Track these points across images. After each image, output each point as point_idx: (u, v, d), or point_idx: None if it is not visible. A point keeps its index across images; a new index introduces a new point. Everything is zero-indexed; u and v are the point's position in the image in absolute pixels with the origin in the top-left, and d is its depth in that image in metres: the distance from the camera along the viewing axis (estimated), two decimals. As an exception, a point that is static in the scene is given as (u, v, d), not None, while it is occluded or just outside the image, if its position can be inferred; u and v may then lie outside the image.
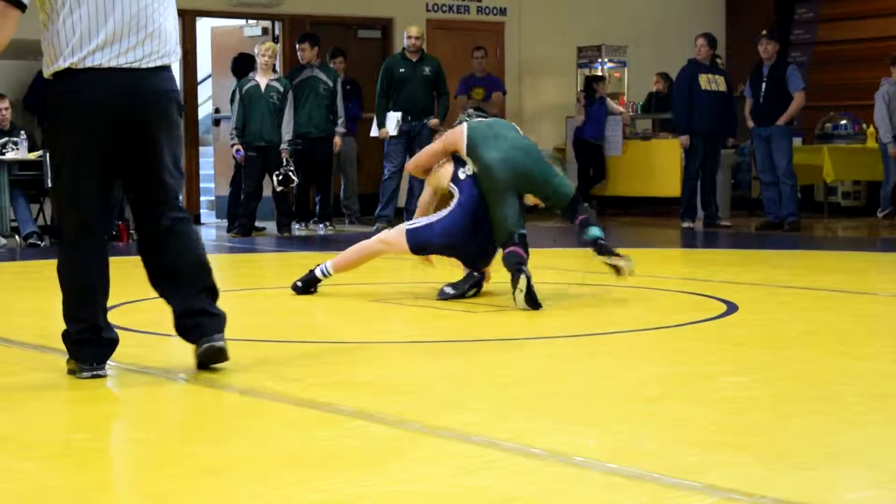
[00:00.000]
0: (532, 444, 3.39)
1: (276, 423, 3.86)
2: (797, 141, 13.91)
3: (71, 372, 4.55)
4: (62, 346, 4.58)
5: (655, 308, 6.73)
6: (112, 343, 4.54)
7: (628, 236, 13.03)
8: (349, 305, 6.76)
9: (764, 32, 12.92)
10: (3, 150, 11.37)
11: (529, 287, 6.31)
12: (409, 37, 13.22)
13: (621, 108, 15.93)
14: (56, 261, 4.56)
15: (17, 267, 9.80)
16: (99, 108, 4.35)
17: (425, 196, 7.24)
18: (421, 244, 6.91)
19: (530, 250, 6.68)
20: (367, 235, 7.87)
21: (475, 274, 6.91)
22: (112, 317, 4.66)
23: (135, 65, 4.37)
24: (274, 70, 12.60)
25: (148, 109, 4.41)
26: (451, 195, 6.95)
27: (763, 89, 12.66)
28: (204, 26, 15.69)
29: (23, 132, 11.62)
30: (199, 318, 4.47)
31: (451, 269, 7.21)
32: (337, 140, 13.03)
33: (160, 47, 4.43)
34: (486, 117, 7.37)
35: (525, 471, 3.17)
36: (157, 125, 4.44)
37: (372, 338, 5.79)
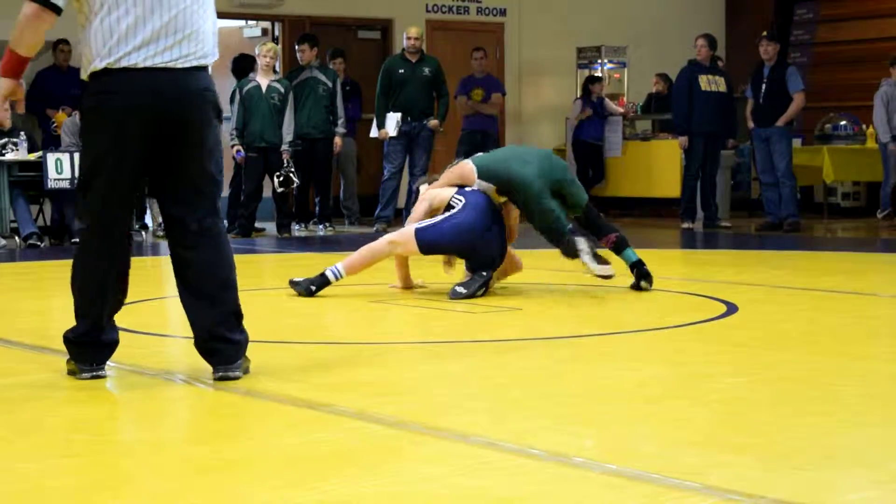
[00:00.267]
0: (532, 445, 3.39)
1: (276, 424, 3.86)
2: (797, 142, 13.92)
3: (71, 372, 4.55)
4: (62, 347, 4.58)
5: (655, 308, 6.73)
6: (112, 344, 4.53)
7: (628, 237, 13.01)
8: (349, 306, 6.76)
9: (764, 33, 12.92)
10: (3, 151, 11.37)
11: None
12: (408, 37, 13.22)
13: (620, 109, 15.94)
14: (68, 261, 4.53)
15: (16, 268, 9.79)
16: (134, 108, 4.30)
17: (420, 208, 7.24)
18: (431, 243, 6.94)
19: (529, 251, 6.74)
20: (367, 236, 7.89)
21: (483, 273, 6.92)
22: (112, 317, 4.66)
23: (171, 64, 4.32)
24: (274, 71, 12.59)
25: (184, 109, 4.35)
26: (453, 206, 7.02)
27: (763, 90, 12.67)
28: (204, 27, 15.66)
29: (23, 133, 11.62)
30: (218, 344, 4.41)
31: (461, 271, 7.23)
32: (337, 141, 13.03)
33: (198, 48, 4.38)
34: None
35: (525, 471, 3.17)
36: (193, 125, 4.37)
37: (372, 338, 5.79)
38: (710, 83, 12.95)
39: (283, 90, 12.39)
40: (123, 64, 4.29)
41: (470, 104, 14.34)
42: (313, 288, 6.97)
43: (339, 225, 13.61)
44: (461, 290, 6.84)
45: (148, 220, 12.99)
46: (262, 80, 12.35)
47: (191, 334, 4.51)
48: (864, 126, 14.47)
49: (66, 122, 11.93)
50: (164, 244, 11.23)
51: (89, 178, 4.41)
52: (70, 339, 4.53)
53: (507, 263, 7.24)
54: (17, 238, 11.39)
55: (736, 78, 13.83)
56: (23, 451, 3.47)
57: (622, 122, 15.81)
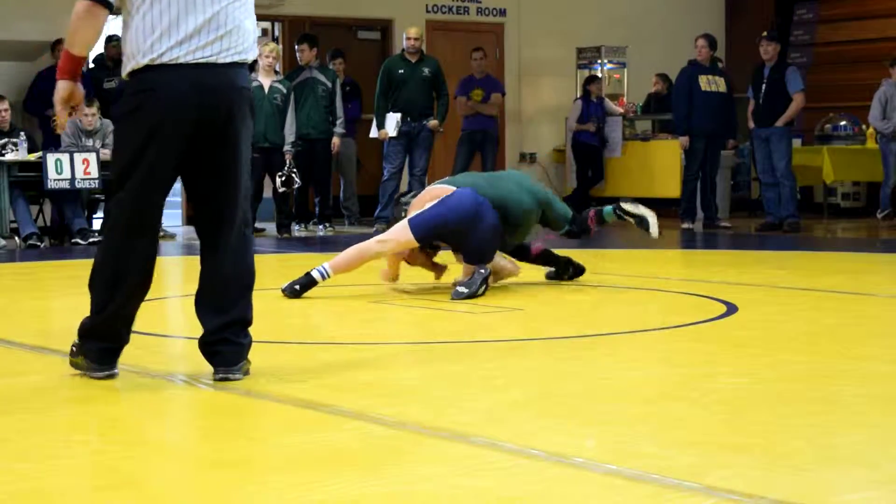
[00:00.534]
0: (532, 445, 3.39)
1: (276, 424, 3.86)
2: (797, 142, 13.92)
3: (77, 367, 4.49)
4: (62, 347, 4.58)
5: (655, 309, 6.74)
6: (123, 345, 4.49)
7: (628, 237, 13.03)
8: (349, 306, 6.76)
9: (764, 34, 12.93)
10: (3, 152, 11.37)
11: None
12: (408, 38, 13.22)
13: (620, 109, 15.94)
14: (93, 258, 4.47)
15: (16, 268, 9.80)
16: (175, 103, 4.26)
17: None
18: (425, 226, 6.90)
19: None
20: (367, 236, 7.88)
21: (482, 271, 6.89)
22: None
23: (210, 59, 4.28)
24: (275, 71, 12.60)
25: (224, 104, 4.31)
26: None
27: (763, 90, 12.67)
28: (204, 27, 15.67)
29: (23, 133, 11.63)
30: (221, 347, 4.40)
31: (454, 273, 7.22)
32: (335, 141, 13.03)
33: (237, 44, 4.34)
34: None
35: (525, 471, 3.17)
36: (233, 122, 4.34)
37: (372, 339, 5.79)
38: (710, 83, 12.95)
39: (285, 90, 12.39)
40: (165, 59, 4.26)
41: (469, 104, 14.34)
42: (297, 288, 6.92)
43: (338, 225, 13.61)
44: (463, 289, 6.83)
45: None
46: (265, 80, 12.35)
47: (192, 335, 4.51)
48: (863, 126, 14.47)
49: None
50: (165, 245, 11.23)
51: (126, 173, 4.35)
52: (87, 336, 4.46)
53: (496, 266, 7.20)
54: (16, 238, 11.39)
55: (736, 78, 13.83)
56: (23, 451, 3.47)
57: (622, 123, 15.82)
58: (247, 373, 4.45)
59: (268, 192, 12.72)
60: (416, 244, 7.02)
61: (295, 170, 12.31)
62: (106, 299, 4.41)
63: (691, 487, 2.98)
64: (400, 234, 6.98)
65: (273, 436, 3.68)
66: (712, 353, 5.13)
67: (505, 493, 2.98)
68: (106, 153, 11.58)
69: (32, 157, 11.38)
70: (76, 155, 11.31)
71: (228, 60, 4.33)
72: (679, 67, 13.39)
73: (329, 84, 13.02)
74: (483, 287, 6.88)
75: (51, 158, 11.17)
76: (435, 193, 7.20)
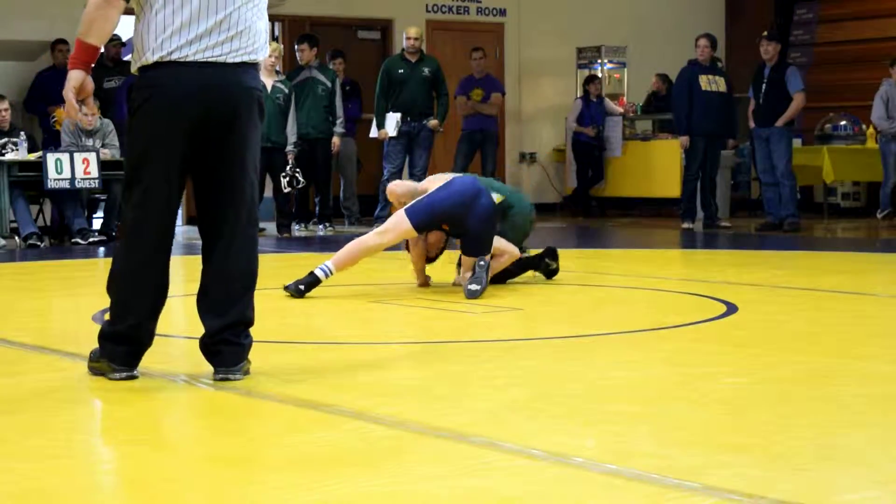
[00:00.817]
0: (532, 445, 3.39)
1: (276, 424, 3.86)
2: (797, 142, 13.92)
3: (96, 371, 4.47)
4: (62, 347, 4.58)
5: (655, 308, 6.73)
6: (146, 346, 4.47)
7: (628, 237, 13.03)
8: (349, 306, 6.76)
9: (765, 33, 12.93)
10: (3, 151, 11.37)
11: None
12: (408, 38, 13.23)
13: (620, 109, 15.95)
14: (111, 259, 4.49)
15: (16, 268, 9.79)
16: (183, 101, 4.26)
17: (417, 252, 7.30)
18: (423, 214, 6.91)
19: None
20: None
21: (482, 263, 6.88)
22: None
23: (220, 58, 4.28)
24: (277, 71, 12.60)
25: (232, 104, 4.31)
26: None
27: (763, 90, 12.67)
28: (204, 27, 15.68)
29: (23, 133, 11.63)
30: (222, 347, 4.39)
31: (449, 274, 7.21)
32: (335, 141, 13.03)
33: (247, 44, 4.34)
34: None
35: (525, 471, 3.17)
36: (240, 121, 4.33)
37: (372, 339, 5.79)
38: (711, 83, 12.95)
39: (287, 91, 12.40)
40: (174, 57, 4.25)
41: (469, 104, 14.34)
42: (302, 288, 6.90)
43: (338, 225, 13.61)
44: (475, 287, 6.79)
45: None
46: (267, 80, 12.33)
47: (192, 335, 4.51)
48: (864, 126, 14.47)
49: (66, 121, 11.94)
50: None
51: (137, 172, 4.35)
52: (108, 336, 4.43)
53: (496, 249, 7.20)
54: (16, 238, 11.39)
55: (736, 78, 13.84)
56: (23, 451, 3.47)
57: (622, 122, 15.82)
58: (247, 373, 4.44)
59: (268, 192, 12.72)
60: (415, 233, 7.01)
61: (298, 170, 12.32)
62: (126, 305, 4.39)
63: (691, 487, 2.98)
64: (398, 223, 6.95)
65: (273, 435, 3.68)
66: (712, 353, 5.13)
67: (505, 492, 2.98)
68: (106, 153, 11.58)
69: (32, 156, 11.38)
70: (76, 155, 11.30)
71: (237, 60, 4.33)
72: (679, 67, 13.39)
73: (329, 84, 13.02)
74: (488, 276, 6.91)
75: (51, 158, 11.17)
76: (433, 182, 7.23)
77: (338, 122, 13.04)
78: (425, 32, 14.64)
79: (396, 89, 13.11)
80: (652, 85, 16.13)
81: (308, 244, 11.84)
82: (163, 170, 4.32)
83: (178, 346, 5.44)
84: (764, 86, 12.66)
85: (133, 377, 4.44)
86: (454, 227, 7.02)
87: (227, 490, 3.06)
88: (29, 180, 11.42)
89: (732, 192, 15.24)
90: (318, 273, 6.92)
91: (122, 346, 4.41)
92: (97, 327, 4.69)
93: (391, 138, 13.08)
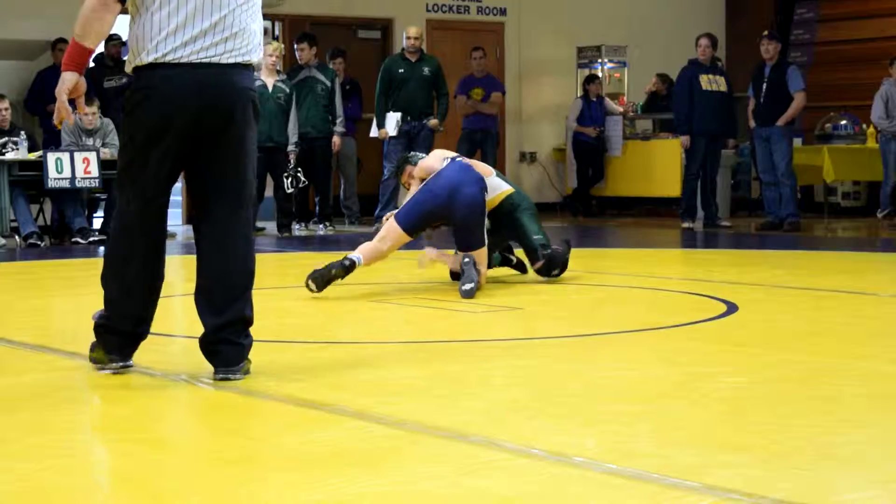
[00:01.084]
0: (532, 444, 3.39)
1: (277, 423, 3.86)
2: (797, 141, 13.92)
3: (96, 361, 4.54)
4: (62, 346, 4.59)
5: (655, 308, 6.73)
6: (143, 336, 4.55)
7: (628, 236, 13.03)
8: (349, 306, 6.76)
9: (765, 33, 12.93)
10: (3, 151, 11.37)
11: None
12: (408, 37, 13.22)
13: (620, 108, 15.94)
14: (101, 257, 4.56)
15: (17, 267, 9.79)
16: (177, 102, 4.29)
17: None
18: (410, 216, 7.01)
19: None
20: (367, 236, 7.89)
21: (465, 260, 6.92)
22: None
23: (214, 59, 4.31)
24: (278, 71, 12.59)
25: (226, 104, 4.33)
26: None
27: (764, 90, 12.66)
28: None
29: (23, 132, 11.63)
30: (222, 347, 4.40)
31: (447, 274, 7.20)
32: (335, 140, 13.03)
33: (241, 45, 4.37)
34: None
35: (525, 471, 3.17)
36: (235, 122, 4.36)
37: (371, 338, 5.79)
38: (711, 83, 12.95)
39: (287, 90, 12.40)
40: (170, 59, 4.28)
41: (470, 104, 14.34)
42: (334, 272, 6.88)
43: (339, 224, 13.61)
44: (468, 286, 6.81)
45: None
46: (268, 79, 12.35)
47: (193, 334, 4.52)
48: (864, 126, 14.47)
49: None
50: (169, 244, 11.22)
51: (128, 170, 4.39)
52: (102, 327, 4.51)
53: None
54: (17, 237, 11.39)
55: (735, 77, 13.84)
56: (23, 450, 3.47)
57: (622, 122, 15.82)
58: (247, 372, 4.45)
59: (268, 192, 12.72)
60: (407, 237, 7.14)
61: (299, 169, 12.32)
62: (118, 298, 4.47)
63: (691, 487, 2.98)
64: (391, 230, 7.10)
65: (273, 435, 3.68)
66: (712, 353, 5.13)
67: (505, 492, 2.98)
68: (106, 152, 11.58)
69: (33, 156, 11.38)
70: (76, 154, 11.30)
71: (231, 61, 4.34)
72: (679, 67, 13.39)
73: (328, 83, 13.01)
74: (477, 270, 6.94)
75: (51, 157, 11.18)
76: (434, 159, 7.38)
77: (337, 121, 13.04)
78: (425, 32, 14.64)
79: (397, 89, 13.11)
80: (652, 85, 16.12)
81: (308, 244, 11.84)
82: (155, 169, 4.35)
83: (178, 346, 5.44)
84: (764, 85, 12.66)
85: (128, 367, 4.51)
86: (444, 221, 7.15)
87: (227, 489, 3.06)
88: (29, 179, 11.43)
89: (733, 191, 15.23)
90: (355, 259, 6.99)
91: (116, 336, 4.49)
92: (97, 326, 4.71)
93: (391, 138, 13.08)
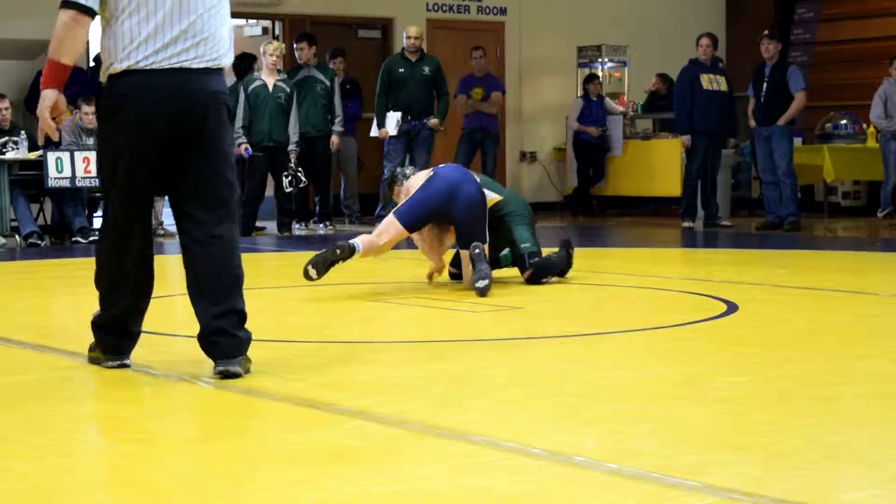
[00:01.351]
0: (532, 444, 3.39)
1: (277, 423, 3.86)
2: (797, 141, 13.91)
3: (94, 360, 4.64)
4: (62, 345, 4.60)
5: (655, 308, 6.73)
6: (135, 335, 4.64)
7: (628, 236, 13.03)
8: (348, 305, 6.76)
9: (765, 32, 12.92)
10: (4, 150, 11.37)
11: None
12: (408, 37, 13.22)
13: (621, 108, 15.94)
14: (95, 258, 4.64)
15: (17, 267, 9.80)
16: (151, 108, 4.37)
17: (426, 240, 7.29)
18: (411, 213, 6.99)
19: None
20: (367, 235, 7.85)
21: (476, 251, 6.90)
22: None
23: (186, 64, 4.40)
24: (278, 71, 12.59)
25: (199, 108, 4.42)
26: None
27: (764, 89, 12.66)
28: (204, 26, 15.67)
29: (23, 132, 11.63)
30: (219, 338, 4.43)
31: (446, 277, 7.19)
32: (334, 139, 13.02)
33: (211, 51, 4.46)
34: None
35: (525, 471, 3.17)
36: (208, 125, 4.44)
37: (371, 337, 5.79)
38: (712, 82, 12.95)
39: (288, 89, 12.40)
40: (142, 66, 4.36)
41: (470, 103, 14.34)
42: (338, 251, 6.82)
43: (339, 224, 13.61)
44: (483, 283, 6.80)
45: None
46: (268, 79, 12.34)
47: (192, 334, 4.53)
48: (864, 125, 14.47)
49: (67, 120, 11.94)
50: (167, 243, 11.24)
51: (110, 178, 4.49)
52: (98, 326, 4.61)
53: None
54: (17, 237, 11.39)
55: (735, 77, 13.83)
56: (23, 450, 3.47)
57: (623, 121, 15.82)
58: (248, 371, 4.46)
59: (268, 191, 12.72)
60: (406, 233, 7.12)
61: (299, 169, 12.32)
62: (109, 297, 4.58)
63: (692, 486, 2.98)
64: (390, 226, 7.07)
65: (273, 434, 3.68)
66: (712, 352, 5.13)
67: (505, 491, 2.98)
68: (106, 152, 11.57)
69: (33, 155, 11.38)
70: (76, 153, 11.31)
71: (203, 66, 4.45)
72: (679, 67, 13.38)
73: (327, 82, 13.01)
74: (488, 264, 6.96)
75: (51, 157, 11.18)
76: (419, 180, 7.28)
77: (337, 120, 13.04)
78: (426, 31, 14.63)
79: (397, 88, 13.10)
80: (652, 84, 16.11)
81: (308, 243, 11.84)
82: (134, 174, 4.44)
83: (178, 345, 5.44)
84: (765, 85, 12.65)
85: (125, 366, 4.59)
86: (443, 219, 7.11)
87: (227, 489, 3.06)
88: (29, 179, 11.43)
89: (733, 191, 15.23)
90: (355, 244, 6.91)
91: (111, 336, 4.59)
92: (97, 325, 4.72)
93: (391, 137, 13.07)
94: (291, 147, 12.35)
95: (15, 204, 11.39)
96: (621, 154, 15.70)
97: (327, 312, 6.60)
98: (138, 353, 4.75)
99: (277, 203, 12.63)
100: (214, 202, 4.46)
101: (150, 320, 4.96)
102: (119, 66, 4.37)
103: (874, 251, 10.78)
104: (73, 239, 11.54)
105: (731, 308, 6.36)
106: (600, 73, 16.20)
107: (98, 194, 12.11)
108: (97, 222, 12.25)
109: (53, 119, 4.43)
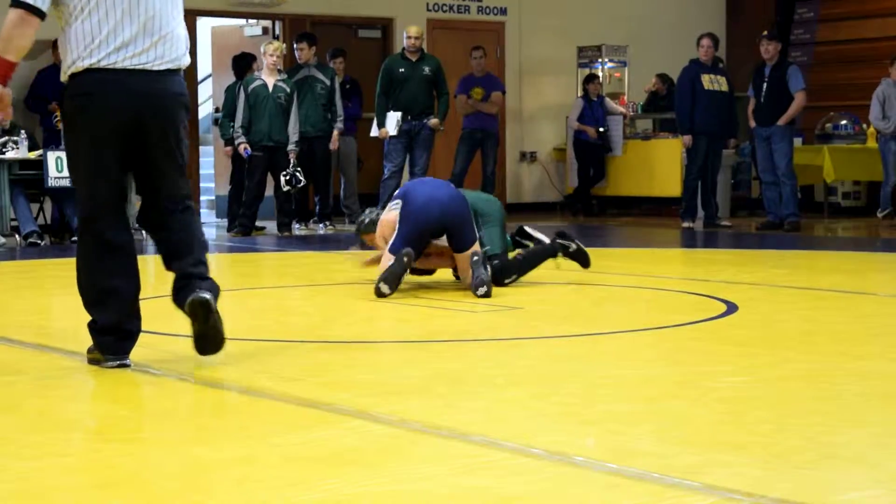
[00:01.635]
0: (532, 444, 3.39)
1: (276, 423, 3.86)
2: (797, 141, 13.91)
3: (93, 361, 4.65)
4: (62, 345, 4.60)
5: (655, 308, 6.73)
6: (136, 333, 4.66)
7: (628, 236, 13.04)
8: (348, 305, 6.76)
9: (765, 33, 12.92)
10: (4, 149, 11.37)
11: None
12: (408, 37, 13.22)
13: (621, 108, 15.94)
14: (75, 260, 4.68)
15: (17, 266, 9.80)
16: (112, 107, 4.48)
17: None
18: (409, 241, 6.88)
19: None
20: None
21: (475, 258, 6.88)
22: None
23: (147, 66, 4.52)
24: (279, 70, 12.59)
25: (159, 111, 4.56)
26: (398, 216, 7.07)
27: (764, 89, 12.66)
28: (204, 26, 15.70)
29: (23, 131, 11.63)
30: (189, 280, 4.56)
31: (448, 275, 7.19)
32: (333, 138, 13.02)
33: (171, 51, 4.58)
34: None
35: (525, 471, 3.17)
36: (169, 126, 4.58)
37: (371, 337, 5.79)
38: (713, 82, 12.95)
39: (288, 90, 12.40)
40: (103, 65, 4.47)
41: (470, 103, 14.34)
42: (404, 262, 6.80)
43: (339, 224, 13.61)
44: (483, 289, 6.78)
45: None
46: (269, 79, 12.34)
47: (190, 333, 4.53)
48: (864, 125, 14.47)
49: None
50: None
51: (80, 179, 4.59)
52: (94, 328, 4.64)
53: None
54: (17, 236, 11.39)
55: (736, 77, 13.83)
56: (23, 450, 3.47)
57: (623, 121, 15.82)
58: (216, 295, 4.53)
59: (268, 191, 12.72)
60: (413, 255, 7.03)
61: (299, 170, 12.32)
62: (95, 298, 4.61)
63: (692, 486, 2.98)
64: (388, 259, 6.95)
65: (272, 434, 3.68)
66: (712, 353, 5.13)
67: (504, 491, 2.98)
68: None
69: (33, 155, 11.39)
70: (76, 153, 11.29)
71: (163, 68, 4.56)
72: (679, 67, 13.39)
73: (328, 82, 13.01)
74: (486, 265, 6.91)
75: (51, 156, 11.18)
76: (391, 219, 7.17)
77: (337, 119, 13.04)
78: (426, 31, 14.63)
79: (397, 88, 13.10)
80: (652, 84, 16.11)
81: (308, 243, 11.84)
82: (105, 171, 4.55)
83: (178, 345, 5.44)
84: (765, 85, 12.65)
85: (125, 365, 4.60)
86: (437, 229, 7.03)
87: (227, 489, 3.06)
88: (29, 178, 11.43)
89: (733, 191, 15.24)
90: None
91: (108, 336, 4.61)
92: (96, 325, 4.72)
93: (392, 137, 13.07)
94: (291, 147, 12.36)
95: (15, 203, 11.39)
96: (621, 154, 15.70)
97: (327, 312, 6.60)
98: (138, 353, 4.75)
99: (277, 203, 12.63)
100: (174, 195, 4.64)
101: (150, 320, 4.97)
102: (81, 65, 4.47)
103: (874, 251, 10.78)
104: (73, 238, 11.54)
105: (731, 308, 6.36)
106: (600, 74, 16.20)
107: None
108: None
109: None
